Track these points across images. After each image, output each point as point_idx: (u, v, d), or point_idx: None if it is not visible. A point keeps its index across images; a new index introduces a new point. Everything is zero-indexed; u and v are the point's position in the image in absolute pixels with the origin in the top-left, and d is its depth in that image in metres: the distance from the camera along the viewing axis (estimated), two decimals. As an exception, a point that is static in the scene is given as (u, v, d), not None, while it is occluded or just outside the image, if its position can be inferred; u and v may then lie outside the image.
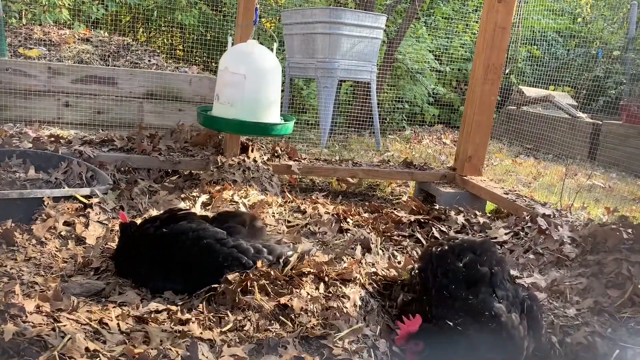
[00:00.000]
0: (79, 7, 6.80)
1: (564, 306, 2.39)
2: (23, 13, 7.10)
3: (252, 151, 3.93)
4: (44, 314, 1.78)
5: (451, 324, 1.81)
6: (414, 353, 1.79)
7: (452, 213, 3.47)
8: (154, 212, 2.89)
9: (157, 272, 2.16)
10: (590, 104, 9.09)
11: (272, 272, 2.10)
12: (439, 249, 2.23)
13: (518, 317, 1.86)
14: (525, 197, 3.80)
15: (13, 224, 2.57)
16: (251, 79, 3.13)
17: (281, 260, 2.24)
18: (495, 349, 1.79)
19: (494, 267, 2.05)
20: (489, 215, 3.75)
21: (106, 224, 2.76)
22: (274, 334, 1.85)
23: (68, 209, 2.76)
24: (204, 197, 3.19)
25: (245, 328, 1.86)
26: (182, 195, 3.26)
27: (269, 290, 2.04)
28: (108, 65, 5.74)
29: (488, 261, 2.07)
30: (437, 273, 2.09)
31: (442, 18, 9.23)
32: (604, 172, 6.44)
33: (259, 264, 2.13)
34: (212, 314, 1.93)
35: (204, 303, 2.00)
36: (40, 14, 6.52)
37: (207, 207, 3.08)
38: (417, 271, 2.27)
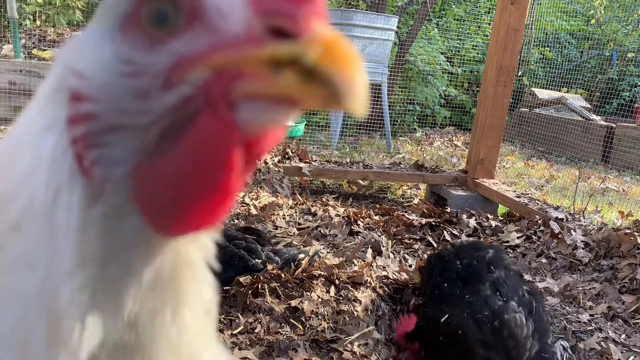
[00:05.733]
0: (92, 8, 6.86)
1: (577, 311, 2.37)
2: (37, 15, 7.17)
3: (263, 153, 3.94)
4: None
5: (443, 320, 1.82)
6: (413, 352, 1.83)
7: (464, 216, 3.46)
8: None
9: None
10: (603, 106, 9.01)
11: (282, 275, 2.10)
12: (438, 250, 2.27)
13: (524, 316, 1.84)
14: (538, 200, 3.77)
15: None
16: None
17: (292, 263, 2.25)
18: (494, 347, 1.76)
19: (497, 266, 2.05)
20: (501, 218, 3.72)
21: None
22: (285, 336, 1.84)
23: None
24: (215, 199, 3.19)
25: (256, 330, 1.86)
26: (193, 197, 3.27)
27: (280, 292, 2.04)
28: (120, 67, 5.76)
29: (491, 260, 2.07)
30: (433, 273, 2.11)
31: (454, 20, 9.20)
32: (618, 175, 6.37)
33: (269, 267, 2.14)
34: (223, 316, 1.93)
35: (215, 305, 2.00)
36: (54, 16, 6.58)
37: (218, 209, 3.09)
38: (419, 275, 2.32)
